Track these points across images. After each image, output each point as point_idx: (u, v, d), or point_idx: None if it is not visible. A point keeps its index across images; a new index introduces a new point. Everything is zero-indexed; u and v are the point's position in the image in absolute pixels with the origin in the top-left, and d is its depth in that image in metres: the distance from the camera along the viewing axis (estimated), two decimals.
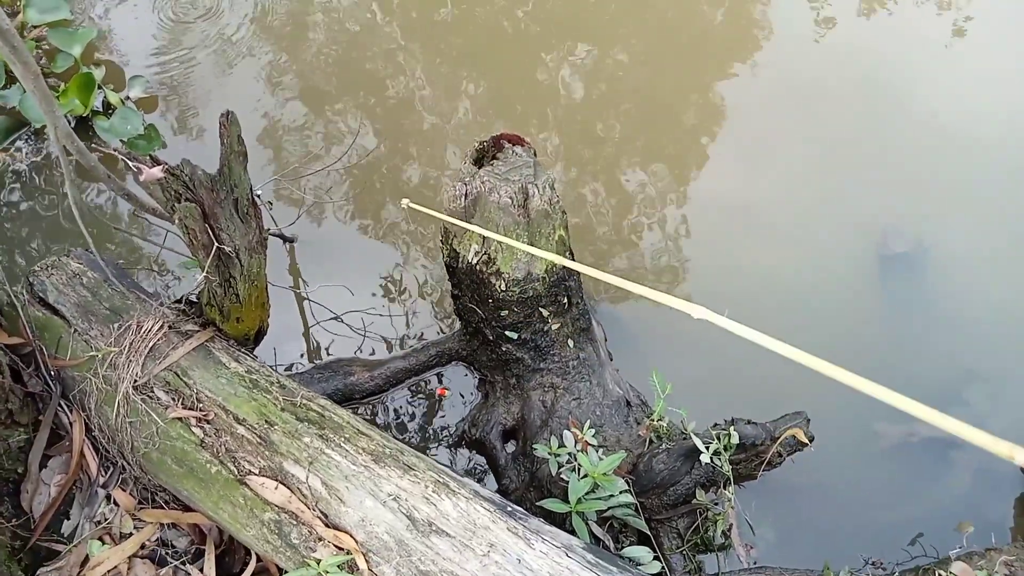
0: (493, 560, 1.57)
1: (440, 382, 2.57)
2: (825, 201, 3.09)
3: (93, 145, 1.31)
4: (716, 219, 3.04)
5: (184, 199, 1.46)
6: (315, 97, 3.13)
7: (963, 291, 2.84)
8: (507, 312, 2.23)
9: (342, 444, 1.72)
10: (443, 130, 3.12)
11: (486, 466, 2.45)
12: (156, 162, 1.41)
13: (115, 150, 1.40)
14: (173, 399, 1.75)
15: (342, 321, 2.73)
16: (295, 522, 1.66)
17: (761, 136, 3.25)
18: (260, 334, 2.00)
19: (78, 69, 2.78)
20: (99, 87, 2.80)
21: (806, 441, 2.24)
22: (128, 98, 2.88)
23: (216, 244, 1.55)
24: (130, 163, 1.38)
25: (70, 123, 2.86)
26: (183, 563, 1.86)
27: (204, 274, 1.60)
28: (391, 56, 3.28)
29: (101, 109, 2.87)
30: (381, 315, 2.70)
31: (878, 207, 3.09)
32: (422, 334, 2.68)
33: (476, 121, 3.15)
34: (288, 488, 1.68)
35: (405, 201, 2.03)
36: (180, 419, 1.73)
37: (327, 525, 1.66)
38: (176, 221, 1.49)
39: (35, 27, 2.92)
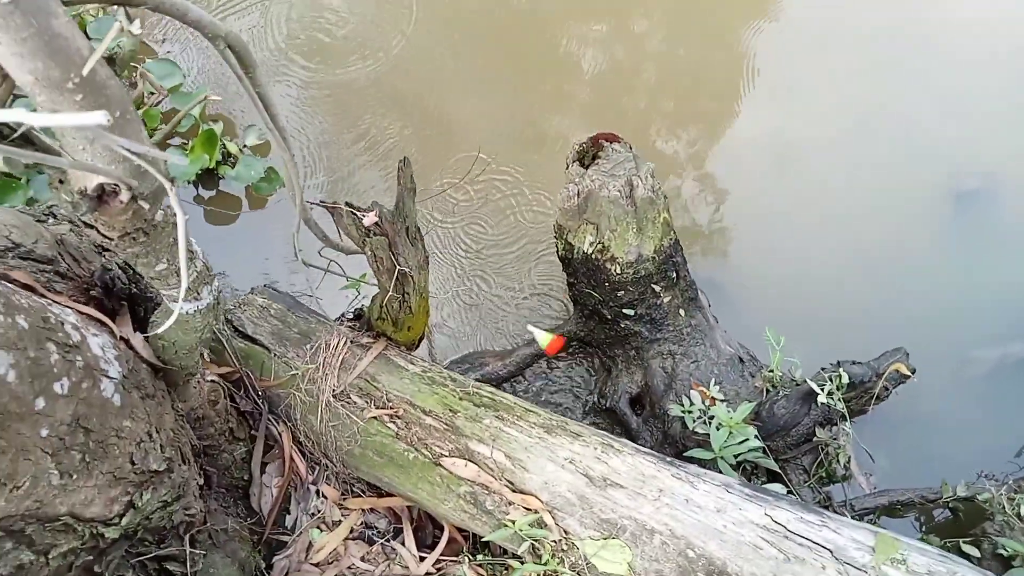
0: (664, 503, 1.84)
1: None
2: (882, 137, 3.28)
3: (308, 203, 1.59)
4: (765, 159, 3.27)
5: (374, 233, 1.76)
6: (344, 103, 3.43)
7: None
8: (623, 292, 2.49)
9: (516, 421, 2.00)
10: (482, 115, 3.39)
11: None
12: (351, 206, 1.71)
13: (332, 203, 1.68)
14: (367, 401, 2.06)
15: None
16: (487, 492, 1.96)
17: (798, 79, 3.44)
18: (421, 338, 2.30)
19: (199, 127, 3.12)
20: (220, 140, 3.13)
21: (908, 373, 2.46)
22: (245, 146, 3.21)
23: (398, 267, 1.84)
24: (356, 212, 1.67)
25: (199, 174, 3.21)
26: (387, 540, 2.18)
27: (390, 292, 1.90)
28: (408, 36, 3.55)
29: (222, 159, 3.21)
30: (505, 310, 2.99)
31: (941, 142, 3.25)
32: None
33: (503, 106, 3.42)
34: (476, 464, 1.98)
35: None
36: (376, 418, 2.04)
37: (514, 491, 1.95)
38: (368, 252, 1.79)
39: (151, 94, 3.26)
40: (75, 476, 1.36)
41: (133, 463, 1.48)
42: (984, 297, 2.88)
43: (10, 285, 1.45)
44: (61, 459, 1.33)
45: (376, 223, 1.72)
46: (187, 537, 1.69)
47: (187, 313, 1.47)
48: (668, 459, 1.96)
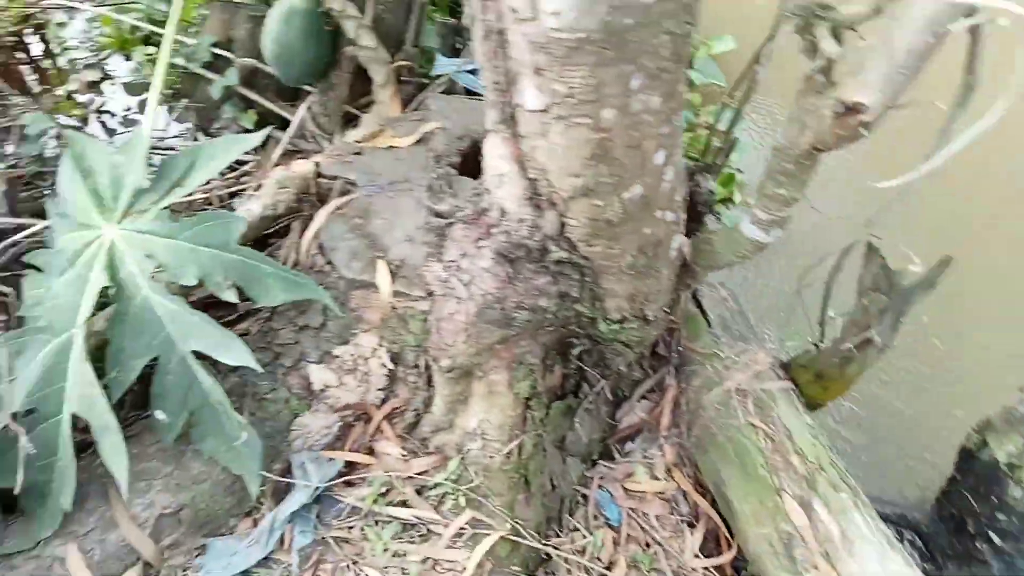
0: None
1: None
2: None
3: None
4: None
5: (875, 290, 2.06)
6: None
7: None
8: (1006, 519, 2.44)
9: (867, 516, 2.12)
10: None
11: None
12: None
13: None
14: (756, 411, 2.34)
15: None
16: (803, 543, 2.11)
17: None
18: (819, 407, 2.51)
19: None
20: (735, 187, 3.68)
21: None
22: (747, 202, 3.71)
23: (872, 328, 2.11)
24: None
25: None
26: (679, 524, 2.42)
27: (845, 344, 2.17)
28: None
29: (723, 202, 3.75)
30: None
31: None
32: None
33: None
34: (809, 519, 2.14)
35: None
36: (754, 425, 2.31)
37: (827, 562, 2.06)
38: (862, 301, 2.10)
39: None
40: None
41: (646, 299, 1.96)
42: None
43: None
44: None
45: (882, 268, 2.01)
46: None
47: (751, 239, 1.90)
48: None
